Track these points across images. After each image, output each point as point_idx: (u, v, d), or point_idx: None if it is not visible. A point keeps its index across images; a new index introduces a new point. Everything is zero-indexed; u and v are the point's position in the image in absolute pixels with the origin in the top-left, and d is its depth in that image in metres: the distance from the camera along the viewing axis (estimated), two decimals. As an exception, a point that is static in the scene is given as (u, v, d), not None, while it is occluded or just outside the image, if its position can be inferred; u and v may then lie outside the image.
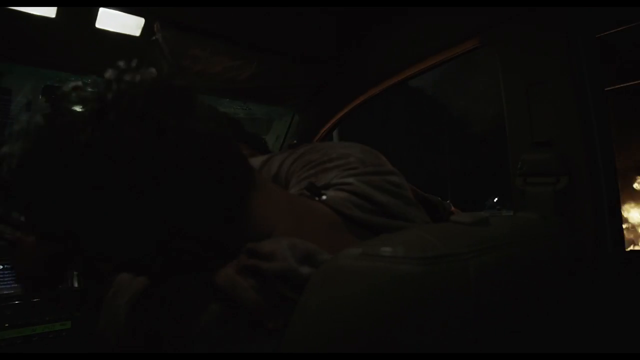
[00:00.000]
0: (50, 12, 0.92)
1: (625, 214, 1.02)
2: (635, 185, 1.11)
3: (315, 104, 1.51)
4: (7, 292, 1.17)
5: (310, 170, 0.58)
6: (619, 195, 0.90)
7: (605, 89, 0.86)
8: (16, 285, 1.18)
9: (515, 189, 0.94)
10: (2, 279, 1.17)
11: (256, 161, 0.64)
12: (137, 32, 1.02)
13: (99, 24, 0.97)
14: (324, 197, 0.52)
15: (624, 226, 0.94)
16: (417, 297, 0.39)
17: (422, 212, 0.58)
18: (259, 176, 0.51)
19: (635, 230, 1.12)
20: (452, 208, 1.01)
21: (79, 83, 0.43)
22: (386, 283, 0.39)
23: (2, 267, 1.19)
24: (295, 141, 1.54)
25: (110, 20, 0.97)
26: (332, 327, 0.41)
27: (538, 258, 0.53)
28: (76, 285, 1.27)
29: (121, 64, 0.44)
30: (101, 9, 0.94)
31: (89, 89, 0.43)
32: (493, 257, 0.44)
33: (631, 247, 1.10)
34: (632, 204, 1.10)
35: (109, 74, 0.43)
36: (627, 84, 0.87)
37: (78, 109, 0.40)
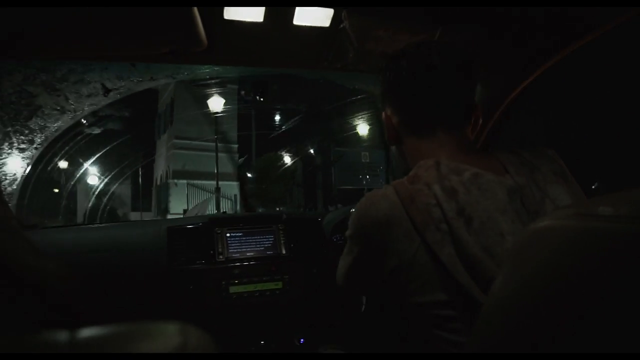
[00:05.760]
0: (258, 16, 1.06)
1: None
2: None
3: (498, 74, 1.41)
4: (235, 255, 1.42)
5: None
6: None
7: None
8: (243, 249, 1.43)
9: None
10: (230, 244, 1.44)
11: None
12: (326, 23, 1.11)
13: (296, 21, 1.09)
14: None
15: None
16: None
17: None
18: None
19: None
20: None
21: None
22: (604, 243, 0.36)
23: (229, 234, 1.45)
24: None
25: (305, 15, 1.08)
26: (542, 286, 0.40)
27: None
28: (284, 252, 1.47)
29: None
30: (297, 8, 1.05)
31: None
32: None
33: None
34: None
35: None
36: None
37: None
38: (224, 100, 12.39)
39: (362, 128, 12.23)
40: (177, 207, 15.34)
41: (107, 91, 1.29)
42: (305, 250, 1.49)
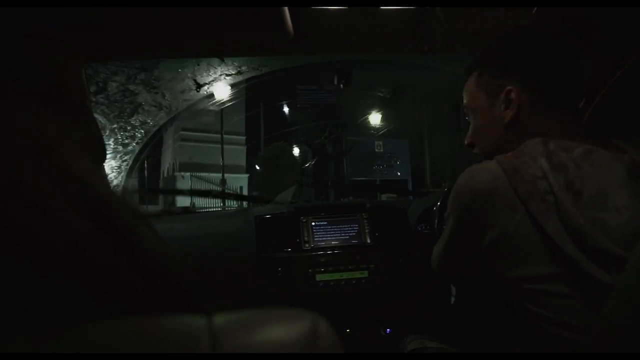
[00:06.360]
0: (344, 2, 1.05)
1: None
2: None
3: (601, 48, 1.27)
4: (321, 244, 1.44)
5: None
6: None
7: None
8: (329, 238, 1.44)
9: None
10: (316, 233, 1.46)
11: None
12: (414, 5, 1.06)
13: (382, 5, 1.06)
14: None
15: None
16: None
17: None
18: None
19: None
20: None
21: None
22: None
23: (314, 223, 1.47)
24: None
25: (392, -1, 1.04)
26: None
27: None
28: (369, 241, 1.46)
29: None
30: None
31: None
32: None
33: None
34: None
35: None
36: None
37: None
38: (230, 89, 11.96)
39: (375, 116, 11.57)
40: (184, 200, 14.92)
41: (199, 86, 1.36)
42: (390, 240, 1.47)
